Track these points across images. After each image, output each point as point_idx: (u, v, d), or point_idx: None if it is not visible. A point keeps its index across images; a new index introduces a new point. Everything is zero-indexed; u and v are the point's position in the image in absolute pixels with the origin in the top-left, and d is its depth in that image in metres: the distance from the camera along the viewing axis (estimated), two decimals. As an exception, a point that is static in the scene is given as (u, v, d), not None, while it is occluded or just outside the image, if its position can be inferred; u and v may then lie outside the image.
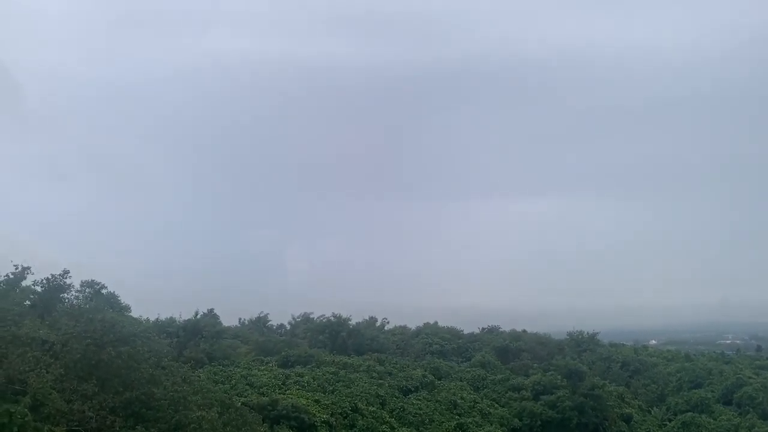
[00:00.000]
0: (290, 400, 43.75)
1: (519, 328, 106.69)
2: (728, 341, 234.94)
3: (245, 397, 43.92)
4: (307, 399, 46.40)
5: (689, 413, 66.92)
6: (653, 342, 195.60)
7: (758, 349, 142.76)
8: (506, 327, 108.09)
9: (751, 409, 69.33)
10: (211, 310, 79.67)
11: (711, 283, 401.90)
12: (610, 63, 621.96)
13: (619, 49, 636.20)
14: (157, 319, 71.68)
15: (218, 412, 31.28)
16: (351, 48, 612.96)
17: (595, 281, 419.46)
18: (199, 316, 70.31)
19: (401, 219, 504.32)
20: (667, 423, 67.49)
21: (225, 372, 52.19)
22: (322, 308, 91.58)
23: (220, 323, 79.16)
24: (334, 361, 66.07)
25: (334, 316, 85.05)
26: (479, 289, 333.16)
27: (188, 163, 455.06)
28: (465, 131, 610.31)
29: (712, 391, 76.71)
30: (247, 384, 49.12)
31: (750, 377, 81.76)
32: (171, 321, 69.49)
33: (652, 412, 73.27)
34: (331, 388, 53.19)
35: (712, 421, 64.97)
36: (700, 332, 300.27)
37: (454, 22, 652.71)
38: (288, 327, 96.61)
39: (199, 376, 42.98)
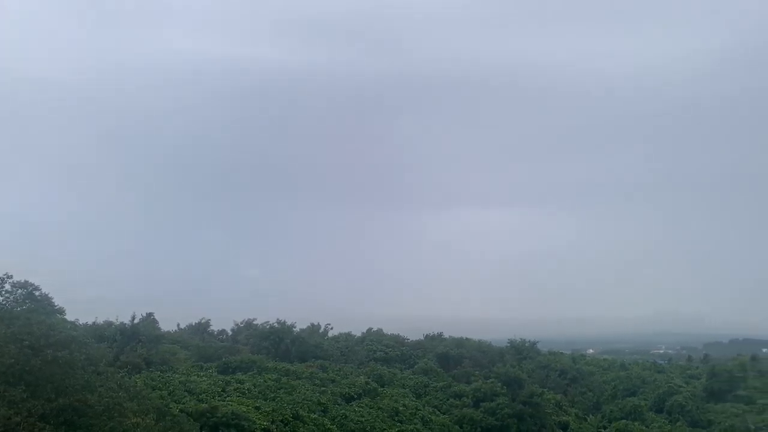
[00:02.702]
0: (230, 407, 43.01)
1: (463, 336, 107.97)
2: (661, 351, 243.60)
3: (183, 403, 42.95)
4: (248, 406, 45.70)
5: (623, 421, 68.91)
6: (591, 351, 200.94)
7: (689, 359, 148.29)
8: (450, 334, 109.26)
9: (680, 417, 72.01)
10: (150, 314, 77.81)
11: (647, 295, 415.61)
12: (575, 81, 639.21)
13: (585, 68, 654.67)
14: (94, 322, 69.54)
15: (154, 419, 30.49)
16: (311, 53, 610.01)
17: (538, 291, 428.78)
18: (137, 321, 68.41)
19: (351, 227, 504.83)
20: (602, 430, 69.37)
21: (163, 378, 50.91)
22: (266, 315, 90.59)
23: (158, 328, 77.36)
24: (276, 367, 65.40)
25: (278, 322, 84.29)
26: (426, 297, 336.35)
27: (135, 165, 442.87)
28: (422, 141, 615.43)
29: (645, 399, 79.23)
30: (186, 390, 48.05)
31: (680, 386, 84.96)
32: (108, 325, 67.49)
33: (588, 420, 75.13)
34: (272, 395, 52.59)
35: (644, 428, 67.08)
36: (635, 342, 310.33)
37: (420, 32, 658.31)
38: (230, 333, 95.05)
39: (136, 382, 41.78)
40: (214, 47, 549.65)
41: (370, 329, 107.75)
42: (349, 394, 60.33)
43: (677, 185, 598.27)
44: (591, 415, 77.40)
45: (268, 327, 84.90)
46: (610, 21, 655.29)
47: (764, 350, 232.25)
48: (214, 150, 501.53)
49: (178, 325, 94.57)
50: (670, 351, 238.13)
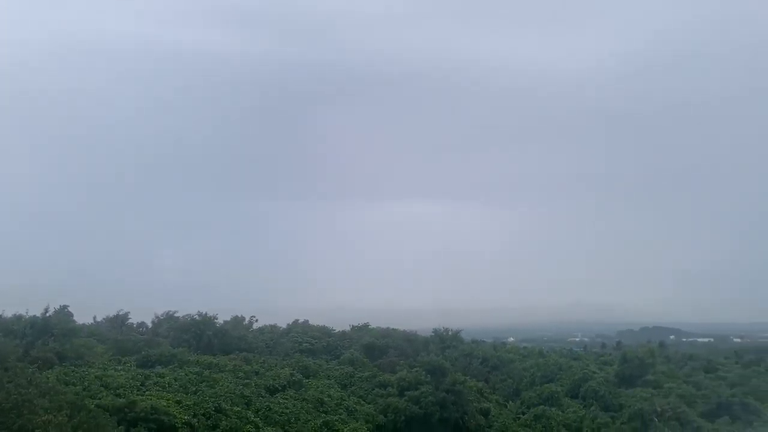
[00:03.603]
0: (149, 401, 41.75)
1: (389, 326, 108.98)
2: (577, 339, 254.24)
3: (99, 399, 41.33)
4: (168, 400, 44.52)
5: (541, 406, 71.40)
6: (511, 339, 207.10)
7: (603, 346, 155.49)
8: (377, 325, 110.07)
9: (594, 402, 75.19)
10: (64, 307, 74.40)
11: (565, 285, 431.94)
12: (504, 79, 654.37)
13: (510, 68, 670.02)
14: (1, 316, 65.89)
15: (68, 416, 29.29)
16: (241, 42, 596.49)
17: (463, 282, 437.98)
18: (49, 314, 65.31)
19: (278, 218, 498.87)
20: (521, 416, 71.54)
21: (77, 373, 48.86)
22: (189, 307, 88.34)
23: (73, 321, 74.10)
24: (198, 360, 64.08)
25: (200, 314, 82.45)
26: (354, 288, 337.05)
27: (56, 152, 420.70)
28: (351, 133, 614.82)
29: (562, 386, 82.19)
30: (102, 385, 46.27)
31: (594, 372, 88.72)
32: (17, 318, 64.11)
33: (508, 406, 77.38)
34: (194, 389, 51.42)
35: (560, 413, 69.69)
36: (553, 330, 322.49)
37: (352, 26, 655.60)
38: (150, 326, 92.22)
39: (48, 378, 39.93)
40: (127, 25, 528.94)
41: (296, 321, 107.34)
42: (273, 386, 59.79)
43: (595, 181, 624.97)
44: (511, 402, 79.72)
45: (189, 319, 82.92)
46: (537, 24, 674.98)
47: (671, 337, 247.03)
48: (133, 137, 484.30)
49: (95, 317, 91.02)
50: (585, 339, 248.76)
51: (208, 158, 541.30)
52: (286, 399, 56.33)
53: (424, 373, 68.58)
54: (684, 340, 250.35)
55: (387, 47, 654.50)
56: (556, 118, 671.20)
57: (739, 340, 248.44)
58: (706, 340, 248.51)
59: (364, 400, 64.49)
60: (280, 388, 59.91)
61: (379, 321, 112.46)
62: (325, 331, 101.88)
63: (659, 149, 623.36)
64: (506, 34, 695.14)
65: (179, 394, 47.63)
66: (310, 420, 52.61)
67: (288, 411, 52.53)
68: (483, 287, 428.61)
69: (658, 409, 67.08)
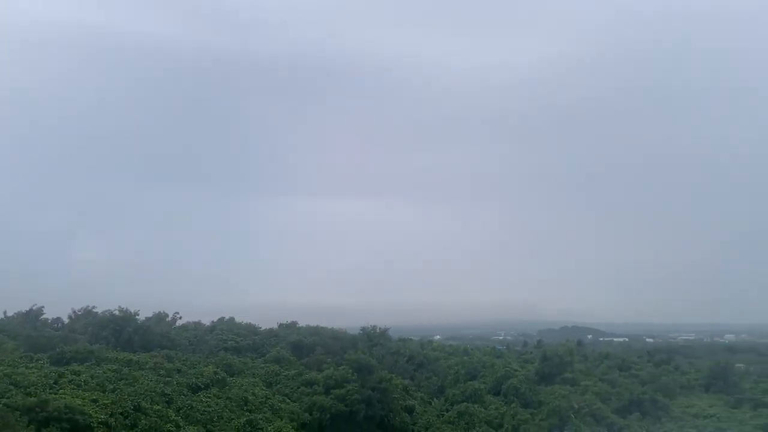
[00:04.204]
0: (63, 400, 40.04)
1: (318, 324, 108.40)
2: (501, 337, 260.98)
3: (8, 398, 39.33)
4: (84, 399, 42.81)
5: (464, 403, 72.79)
6: (437, 337, 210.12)
7: (525, 344, 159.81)
8: (306, 323, 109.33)
9: (515, 398, 77.25)
10: (-29, 302, 70.20)
11: (490, 284, 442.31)
12: (432, 77, 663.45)
13: (442, 66, 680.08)
14: None
15: (-29, 416, 27.65)
16: (180, 31, 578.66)
17: (392, 280, 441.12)
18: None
19: (204, 211, 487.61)
20: (445, 413, 72.68)
21: (-16, 371, 46.26)
22: (109, 302, 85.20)
23: (-19, 316, 70.15)
24: (117, 358, 61.97)
25: (121, 310, 79.65)
26: (282, 285, 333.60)
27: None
28: (280, 126, 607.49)
29: (485, 383, 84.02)
30: (11, 383, 43.99)
31: (516, 370, 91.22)
32: None
33: (433, 403, 78.49)
34: (111, 387, 49.67)
35: (483, 410, 71.27)
36: (478, 329, 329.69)
37: (290, 18, 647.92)
38: (66, 321, 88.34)
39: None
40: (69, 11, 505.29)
41: (221, 318, 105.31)
42: (196, 384, 58.47)
43: (521, 181, 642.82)
44: (435, 399, 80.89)
45: (109, 315, 79.99)
46: (478, 24, 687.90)
47: (589, 337, 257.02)
48: (49, 122, 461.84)
49: (5, 312, 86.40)
50: (508, 337, 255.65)
51: (137, 147, 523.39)
52: (209, 397, 55.19)
53: (350, 371, 68.63)
54: (601, 339, 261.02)
55: (329, 42, 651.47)
56: (491, 118, 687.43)
57: (651, 340, 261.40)
58: (621, 339, 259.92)
59: (289, 399, 64.00)
60: (203, 387, 58.63)
61: (307, 319, 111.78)
62: (251, 329, 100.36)
63: (588, 149, 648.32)
64: (447, 33, 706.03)
65: (96, 393, 45.88)
66: (233, 419, 51.77)
67: (211, 410, 51.51)
68: (412, 285, 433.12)
69: (575, 406, 69.71)
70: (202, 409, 51.04)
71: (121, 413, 43.08)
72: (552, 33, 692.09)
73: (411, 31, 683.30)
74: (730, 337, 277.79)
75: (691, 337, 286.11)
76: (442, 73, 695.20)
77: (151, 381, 54.06)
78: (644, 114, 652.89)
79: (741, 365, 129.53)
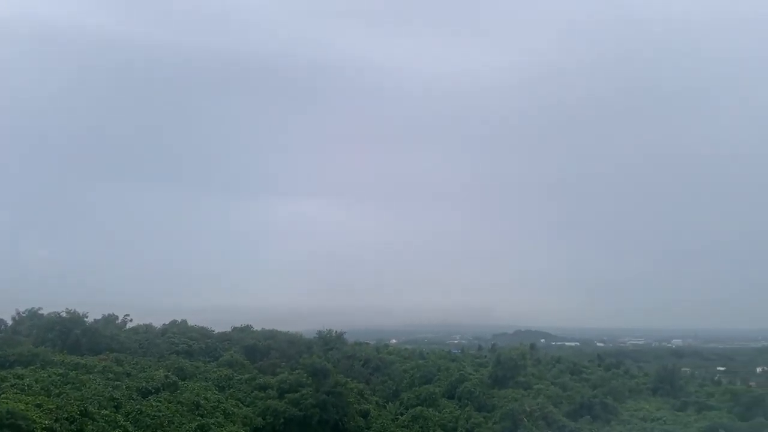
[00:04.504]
0: (5, 405, 38.48)
1: (273, 328, 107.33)
2: (456, 341, 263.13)
3: (-55, 403, 37.67)
4: (27, 404, 41.26)
5: (419, 407, 72.96)
6: (393, 341, 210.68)
7: (479, 348, 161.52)
8: (262, 326, 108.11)
9: (469, 402, 77.82)
10: None
11: (446, 288, 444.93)
12: (398, 81, 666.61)
13: (410, 70, 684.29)
14: None
15: None
16: (130, 27, 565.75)
17: (349, 283, 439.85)
18: None
19: (158, 210, 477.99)
20: (400, 417, 72.72)
21: None
22: (56, 304, 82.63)
23: None
24: (63, 361, 60.17)
25: (68, 312, 77.39)
26: (237, 288, 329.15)
27: None
28: (244, 127, 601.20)
29: (439, 386, 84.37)
30: (-51, 389, 42.24)
31: (470, 373, 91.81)
32: None
33: (388, 407, 78.42)
34: (57, 391, 48.08)
35: (437, 413, 71.56)
36: (434, 332, 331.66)
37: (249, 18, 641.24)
38: (9, 323, 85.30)
39: None
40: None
41: (174, 321, 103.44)
42: (146, 388, 57.14)
43: (477, 187, 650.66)
44: (390, 403, 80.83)
45: (56, 317, 77.61)
46: (438, 28, 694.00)
47: (542, 341, 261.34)
48: (15, 119, 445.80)
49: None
50: (464, 341, 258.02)
51: (90, 143, 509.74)
52: (160, 402, 53.94)
53: (305, 375, 68.15)
54: (553, 343, 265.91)
55: (287, 41, 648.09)
56: (454, 122, 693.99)
57: (602, 344, 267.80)
58: (573, 343, 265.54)
59: (242, 403, 63.12)
60: (153, 391, 57.34)
61: (263, 322, 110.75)
62: (204, 332, 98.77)
63: (545, 157, 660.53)
64: (420, 36, 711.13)
65: (40, 397, 44.32)
66: (184, 423, 50.72)
67: (161, 414, 50.35)
68: (368, 289, 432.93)
69: (528, 409, 70.58)
70: (152, 413, 49.85)
71: (67, 418, 41.71)
72: (517, 40, 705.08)
73: (384, 34, 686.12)
74: (677, 342, 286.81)
75: (640, 342, 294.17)
76: (413, 75, 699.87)
77: (99, 385, 52.66)
78: (601, 123, 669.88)
79: (687, 369, 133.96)
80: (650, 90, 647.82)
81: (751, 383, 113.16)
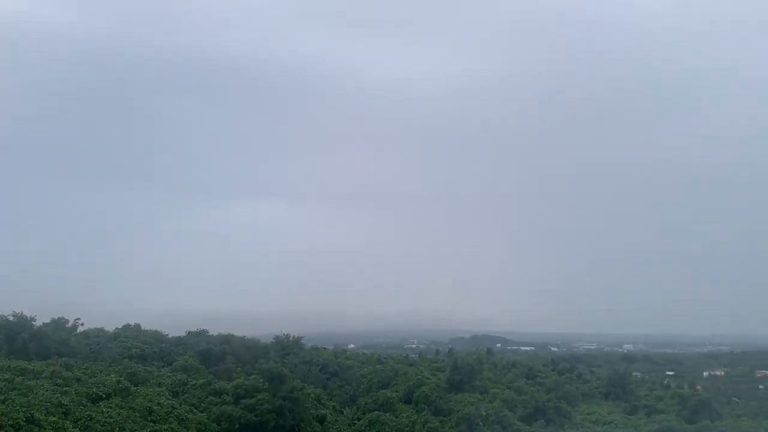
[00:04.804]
0: (-55, 412, 37.11)
1: (229, 332, 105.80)
2: (414, 346, 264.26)
3: None
4: (-31, 411, 39.84)
5: (376, 412, 72.88)
6: (352, 346, 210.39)
7: (437, 352, 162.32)
8: (218, 331, 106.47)
9: (426, 406, 78.08)
10: None
11: (404, 293, 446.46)
12: (355, 83, 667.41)
13: (368, 74, 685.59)
14: None
15: None
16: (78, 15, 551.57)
17: (308, 287, 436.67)
18: None
19: (112, 211, 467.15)
20: (357, 422, 72.55)
21: None
22: (3, 307, 79.72)
23: None
24: (9, 366, 58.23)
25: (15, 314, 74.97)
26: (193, 291, 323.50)
27: None
28: (199, 126, 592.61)
29: (396, 391, 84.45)
30: None
31: (428, 378, 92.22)
32: None
33: (345, 412, 78.22)
34: (2, 398, 46.48)
35: (394, 418, 71.59)
36: (392, 337, 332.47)
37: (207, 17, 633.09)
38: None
39: None
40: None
41: (127, 325, 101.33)
42: (96, 394, 55.69)
43: (437, 192, 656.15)
44: (347, 408, 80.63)
45: (1, 320, 75.07)
46: (384, 33, 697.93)
47: (498, 345, 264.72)
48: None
49: None
50: (421, 345, 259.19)
51: (37, 141, 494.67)
52: (111, 408, 52.63)
53: (261, 380, 67.51)
54: (509, 348, 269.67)
55: (242, 42, 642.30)
56: (405, 127, 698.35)
57: (556, 349, 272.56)
58: (528, 348, 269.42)
59: (196, 409, 62.04)
60: (104, 396, 55.91)
61: (219, 327, 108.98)
62: (158, 337, 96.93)
63: (495, 163, 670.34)
64: (360, 41, 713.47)
65: (-17, 404, 42.82)
66: (136, 429, 49.60)
67: (112, 420, 49.14)
68: (328, 293, 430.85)
69: (483, 414, 71.29)
70: (103, 420, 48.61)
71: (12, 425, 40.33)
72: (458, 50, 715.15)
73: (321, 36, 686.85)
74: (628, 347, 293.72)
75: (592, 347, 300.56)
76: (356, 79, 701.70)
77: (47, 391, 51.08)
78: (547, 132, 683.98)
79: (637, 373, 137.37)
80: (594, 99, 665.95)
81: (698, 387, 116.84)
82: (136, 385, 63.15)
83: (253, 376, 68.95)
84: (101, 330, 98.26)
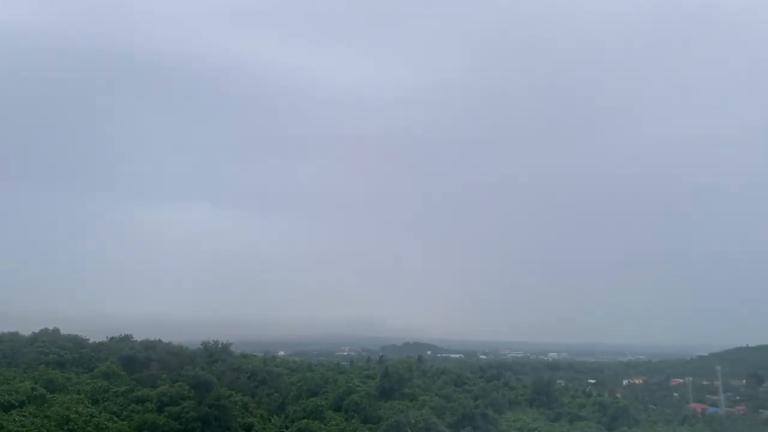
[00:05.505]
0: None
1: (155, 338, 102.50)
2: (345, 353, 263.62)
3: None
4: None
5: (305, 420, 72.20)
6: (282, 353, 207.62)
7: (368, 360, 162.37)
8: (144, 336, 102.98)
9: (356, 414, 77.95)
10: None
11: (336, 300, 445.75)
12: (301, 88, 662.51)
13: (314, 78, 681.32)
14: None
15: None
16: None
17: (238, 293, 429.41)
18: None
19: (31, 213, 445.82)
20: (285, 430, 71.66)
21: None
22: None
23: None
24: None
25: None
26: (115, 295, 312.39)
27: None
28: (144, 128, 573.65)
29: (326, 399, 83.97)
30: None
31: (358, 385, 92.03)
32: None
33: (273, 420, 77.07)
34: None
35: (323, 426, 71.14)
36: (323, 344, 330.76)
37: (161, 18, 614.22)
38: None
39: None
40: None
41: (44, 329, 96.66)
42: (9, 401, 52.95)
43: (369, 200, 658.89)
44: (276, 416, 79.50)
45: None
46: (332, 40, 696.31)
47: (428, 353, 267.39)
48: None
49: None
50: (353, 353, 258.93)
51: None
52: (24, 416, 50.11)
53: (187, 387, 65.84)
54: (439, 355, 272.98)
55: (183, 42, 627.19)
56: (344, 135, 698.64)
57: (484, 356, 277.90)
58: (457, 356, 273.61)
59: (117, 417, 59.82)
60: (17, 404, 53.19)
61: (144, 332, 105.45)
62: (78, 341, 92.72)
63: (433, 173, 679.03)
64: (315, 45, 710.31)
65: None
66: (51, 439, 47.42)
67: (25, 429, 46.87)
68: (257, 299, 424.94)
69: (412, 421, 71.70)
70: (15, 429, 46.29)
71: None
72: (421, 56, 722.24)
73: (253, 35, 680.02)
74: (553, 356, 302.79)
75: (519, 355, 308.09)
76: (306, 84, 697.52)
77: (-47, 399, 48.14)
78: (492, 143, 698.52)
79: (561, 381, 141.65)
80: (532, 110, 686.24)
81: (618, 395, 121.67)
82: (53, 393, 60.38)
83: (178, 384, 67.09)
84: (16, 334, 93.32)
